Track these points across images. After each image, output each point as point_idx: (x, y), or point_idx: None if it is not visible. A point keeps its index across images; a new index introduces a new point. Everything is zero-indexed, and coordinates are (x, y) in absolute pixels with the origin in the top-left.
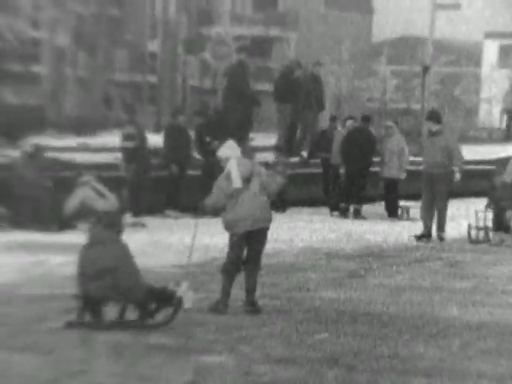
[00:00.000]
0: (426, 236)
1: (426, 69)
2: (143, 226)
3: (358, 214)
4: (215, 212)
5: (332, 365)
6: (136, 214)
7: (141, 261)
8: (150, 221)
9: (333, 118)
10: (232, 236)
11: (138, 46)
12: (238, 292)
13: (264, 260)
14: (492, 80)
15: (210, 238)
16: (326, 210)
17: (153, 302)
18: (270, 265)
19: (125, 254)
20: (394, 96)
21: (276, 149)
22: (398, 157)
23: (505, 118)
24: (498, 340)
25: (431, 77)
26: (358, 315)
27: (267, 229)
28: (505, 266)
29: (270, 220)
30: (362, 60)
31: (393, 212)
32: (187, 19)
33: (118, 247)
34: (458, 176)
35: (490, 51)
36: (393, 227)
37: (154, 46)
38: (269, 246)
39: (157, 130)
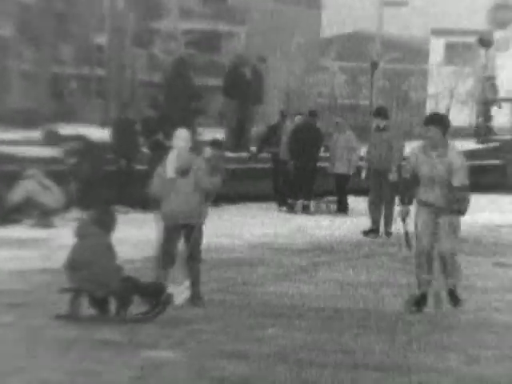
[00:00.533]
0: (374, 231)
1: (374, 65)
2: None
3: (306, 210)
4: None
5: (282, 359)
6: (84, 208)
7: None
8: None
9: (282, 113)
10: (164, 228)
11: (84, 39)
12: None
13: (213, 254)
14: (439, 77)
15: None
16: (275, 205)
17: (134, 295)
18: (220, 259)
19: (104, 248)
20: (343, 92)
21: (212, 144)
22: (347, 153)
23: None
24: (444, 334)
25: (379, 73)
26: (308, 310)
27: (199, 223)
28: None
29: (199, 216)
30: (311, 55)
31: (342, 208)
32: (135, 13)
33: (98, 242)
34: (391, 176)
35: (437, 48)
36: (342, 222)
37: (101, 39)
38: (218, 241)
39: (104, 124)
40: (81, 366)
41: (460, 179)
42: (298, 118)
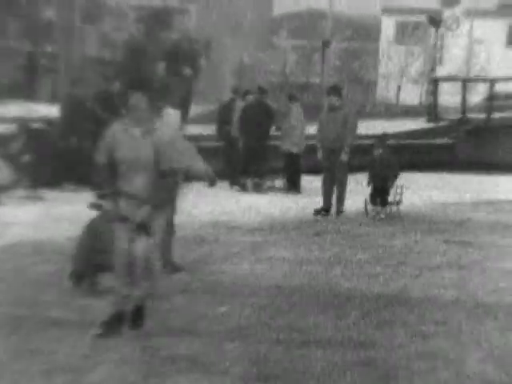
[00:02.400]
0: (326, 210)
1: (325, 43)
2: (39, 198)
3: (258, 188)
4: None
5: (232, 337)
6: (33, 185)
7: (39, 233)
8: (48, 193)
9: (234, 91)
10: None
11: (32, 14)
12: None
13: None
14: (389, 56)
15: None
16: (226, 183)
17: None
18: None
19: None
20: (295, 70)
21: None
22: (299, 131)
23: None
24: (393, 311)
25: (331, 51)
26: (259, 288)
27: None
28: (401, 238)
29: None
30: (263, 33)
31: (294, 186)
32: None
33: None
34: (344, 156)
35: (388, 27)
36: (293, 201)
37: (49, 14)
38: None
39: (53, 100)
40: (29, 345)
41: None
42: (248, 98)
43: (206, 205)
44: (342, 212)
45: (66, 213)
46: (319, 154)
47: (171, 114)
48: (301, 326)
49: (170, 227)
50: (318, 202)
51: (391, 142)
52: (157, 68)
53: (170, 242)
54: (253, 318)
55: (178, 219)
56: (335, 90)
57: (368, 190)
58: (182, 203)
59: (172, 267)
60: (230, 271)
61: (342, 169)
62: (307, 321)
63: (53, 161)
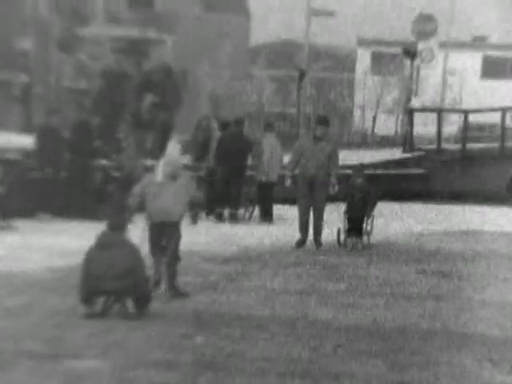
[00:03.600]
0: (303, 241)
1: (302, 73)
2: (11, 228)
3: (233, 218)
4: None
5: (206, 368)
6: (6, 216)
7: (12, 264)
8: (22, 223)
9: (212, 118)
10: (148, 226)
11: (6, 43)
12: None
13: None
14: (365, 86)
15: (83, 242)
16: (202, 213)
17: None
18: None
19: (138, 254)
20: (271, 99)
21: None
22: (274, 159)
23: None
24: (369, 341)
25: (307, 81)
26: (234, 318)
27: (176, 222)
28: (376, 268)
29: (178, 215)
30: (240, 63)
31: (268, 215)
32: (60, 17)
33: (130, 249)
34: (335, 189)
35: (363, 58)
36: (269, 231)
37: (24, 43)
38: (144, 249)
39: (27, 130)
40: (3, 379)
41: None
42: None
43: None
44: (321, 243)
45: (41, 243)
46: (287, 182)
47: (174, 148)
48: (276, 356)
49: (176, 252)
50: (293, 231)
51: (367, 171)
52: (144, 100)
53: (175, 267)
54: (228, 349)
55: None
56: (324, 121)
57: (341, 220)
58: None
59: (176, 292)
60: (205, 301)
61: (321, 200)
62: (283, 351)
63: (28, 191)
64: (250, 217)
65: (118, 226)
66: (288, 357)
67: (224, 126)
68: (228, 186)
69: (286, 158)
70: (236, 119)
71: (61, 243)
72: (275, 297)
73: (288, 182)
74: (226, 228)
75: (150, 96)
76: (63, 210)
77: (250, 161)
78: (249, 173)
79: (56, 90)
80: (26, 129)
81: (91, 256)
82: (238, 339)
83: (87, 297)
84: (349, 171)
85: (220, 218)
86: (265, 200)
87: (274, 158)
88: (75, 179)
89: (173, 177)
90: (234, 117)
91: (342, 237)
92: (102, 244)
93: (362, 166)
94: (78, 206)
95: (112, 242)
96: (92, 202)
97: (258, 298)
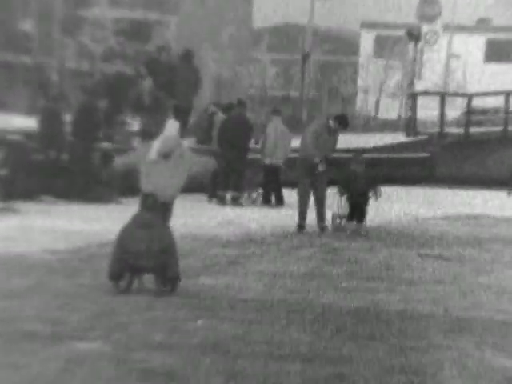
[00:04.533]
0: (303, 226)
1: (305, 57)
2: (15, 211)
3: (236, 201)
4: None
5: (209, 351)
6: (8, 198)
7: (15, 246)
8: (25, 206)
9: (214, 105)
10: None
11: (8, 25)
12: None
13: None
14: (368, 70)
15: (86, 224)
16: (205, 196)
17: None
18: None
19: (171, 234)
20: (274, 83)
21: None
22: (280, 144)
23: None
24: (370, 325)
25: (310, 65)
26: (236, 301)
27: (169, 203)
28: (378, 252)
29: (172, 196)
30: (243, 46)
31: (279, 199)
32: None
33: (165, 229)
34: (323, 166)
35: (367, 41)
36: (271, 214)
37: (26, 25)
38: None
39: (31, 112)
40: (5, 359)
41: None
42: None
43: (183, 218)
44: (324, 228)
45: (44, 225)
46: (322, 166)
47: (172, 127)
48: (277, 340)
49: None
50: (295, 215)
51: (370, 155)
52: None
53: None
54: (230, 332)
55: None
56: (342, 120)
57: (337, 205)
58: None
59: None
60: (208, 284)
61: (323, 186)
62: (284, 335)
63: (30, 173)
64: (254, 200)
65: (154, 207)
66: (289, 340)
67: (226, 108)
68: (230, 168)
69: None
70: (238, 101)
71: (64, 225)
72: (277, 280)
73: (323, 166)
74: (228, 211)
75: (148, 79)
76: (66, 193)
77: (253, 143)
78: (254, 156)
79: (59, 72)
80: (29, 111)
81: (127, 234)
82: (239, 323)
83: (119, 272)
84: (349, 155)
85: (223, 201)
86: (270, 183)
87: (281, 141)
88: (77, 162)
89: (166, 156)
90: (237, 99)
91: (338, 221)
92: (139, 223)
93: (360, 152)
94: (80, 188)
95: (149, 222)
96: (94, 184)
97: (261, 281)
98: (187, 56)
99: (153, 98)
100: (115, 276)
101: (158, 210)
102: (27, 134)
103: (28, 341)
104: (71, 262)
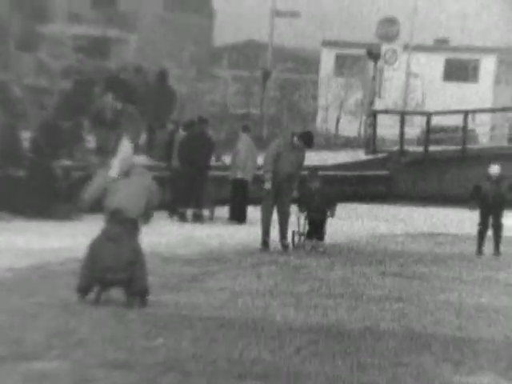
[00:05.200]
0: (267, 243)
1: (265, 74)
2: None
3: (198, 218)
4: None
5: (168, 369)
6: None
7: None
8: None
9: (174, 122)
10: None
11: None
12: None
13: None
14: (328, 88)
15: (45, 241)
16: (165, 214)
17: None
18: None
19: (139, 248)
20: (235, 101)
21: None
22: (250, 159)
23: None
24: (331, 342)
25: (271, 82)
26: (196, 319)
27: (135, 219)
28: (339, 270)
29: (137, 211)
30: (204, 63)
31: (241, 215)
32: (20, 15)
33: (134, 243)
34: (294, 192)
35: (327, 59)
36: (233, 231)
37: None
38: None
39: None
40: None
41: None
42: (190, 128)
43: (144, 235)
44: (287, 246)
45: (1, 242)
46: (267, 185)
47: (127, 146)
48: (238, 358)
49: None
50: (256, 231)
51: (330, 173)
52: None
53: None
54: (190, 350)
55: None
56: (307, 138)
57: (296, 222)
58: None
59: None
60: (168, 302)
61: (287, 204)
62: (244, 353)
63: None
64: (212, 217)
65: (121, 221)
66: (249, 358)
67: (187, 126)
68: (191, 185)
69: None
70: (199, 119)
71: (22, 243)
72: (238, 298)
73: (268, 185)
74: (189, 228)
75: (109, 95)
76: (24, 210)
77: (213, 161)
78: (216, 172)
79: (16, 88)
80: None
81: (96, 247)
82: (199, 341)
83: (88, 285)
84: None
85: (183, 218)
86: (238, 199)
87: (250, 157)
88: (36, 179)
89: (127, 174)
90: (197, 116)
91: (297, 239)
92: (107, 237)
93: (316, 169)
94: (39, 205)
95: (117, 236)
96: (52, 201)
97: (221, 299)
98: (162, 76)
99: (114, 112)
100: (83, 289)
101: (125, 224)
102: None
103: None
104: (30, 279)
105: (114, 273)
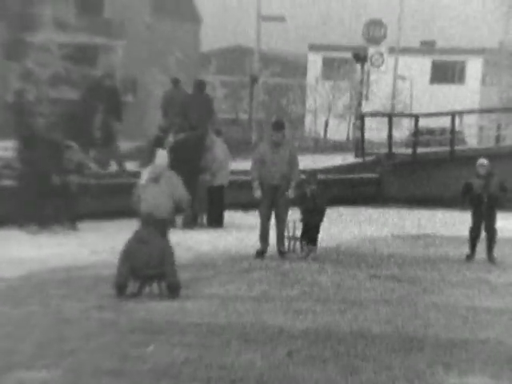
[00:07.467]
0: (264, 250)
1: (253, 79)
2: None
3: (187, 225)
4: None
5: (161, 376)
6: None
7: None
8: None
9: (162, 129)
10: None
11: None
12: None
13: (90, 271)
14: (316, 91)
15: (37, 251)
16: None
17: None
18: (97, 275)
19: (169, 247)
20: (223, 106)
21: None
22: (225, 163)
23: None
24: (322, 347)
25: (259, 87)
26: (188, 326)
27: (164, 219)
28: (329, 273)
29: (165, 213)
30: (191, 69)
31: (217, 220)
32: (6, 23)
33: (164, 242)
34: (290, 194)
35: (314, 63)
36: (221, 237)
37: None
38: (95, 257)
39: None
40: None
41: None
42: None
43: None
44: (284, 252)
45: None
46: (257, 193)
47: (163, 155)
48: (230, 363)
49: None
50: (246, 236)
51: (321, 177)
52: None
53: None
54: (182, 357)
55: (106, 256)
56: (279, 126)
57: (290, 227)
58: (109, 241)
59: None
60: (158, 309)
61: (284, 207)
62: (236, 358)
63: None
64: (202, 222)
65: (151, 223)
66: (242, 363)
67: (177, 131)
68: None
69: (235, 164)
70: (189, 125)
71: (14, 252)
72: (228, 303)
73: (258, 193)
74: (179, 234)
75: (99, 115)
76: (17, 219)
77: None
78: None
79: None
80: None
81: (131, 248)
82: (191, 347)
83: (125, 282)
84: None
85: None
86: (215, 204)
87: (225, 161)
88: (29, 188)
89: (155, 180)
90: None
91: (290, 242)
92: (139, 237)
93: (315, 173)
94: (32, 214)
95: (148, 236)
96: (41, 210)
97: (212, 304)
98: (200, 85)
99: (104, 130)
100: (121, 286)
101: (155, 225)
102: None
103: None
104: (22, 289)
105: (148, 269)
